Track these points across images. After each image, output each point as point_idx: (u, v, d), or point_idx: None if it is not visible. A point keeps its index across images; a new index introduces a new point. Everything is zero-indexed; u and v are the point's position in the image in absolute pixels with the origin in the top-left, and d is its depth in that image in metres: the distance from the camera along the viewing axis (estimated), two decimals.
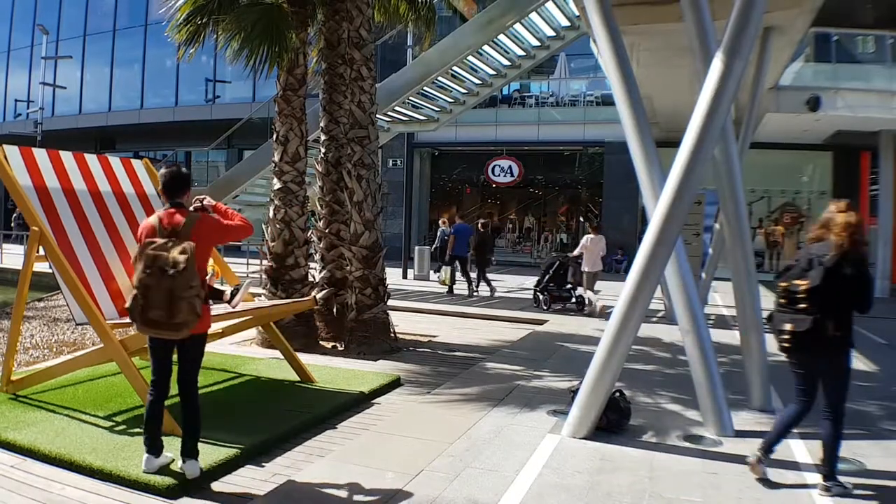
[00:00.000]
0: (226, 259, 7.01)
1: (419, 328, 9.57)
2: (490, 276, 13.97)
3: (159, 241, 3.69)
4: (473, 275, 13.85)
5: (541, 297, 11.81)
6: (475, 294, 13.51)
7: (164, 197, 4.00)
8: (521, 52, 12.52)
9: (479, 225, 14.49)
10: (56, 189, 5.56)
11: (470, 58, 11.99)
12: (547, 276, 11.71)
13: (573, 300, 11.63)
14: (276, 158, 8.14)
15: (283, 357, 6.34)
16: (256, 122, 18.76)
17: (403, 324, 9.20)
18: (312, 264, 8.64)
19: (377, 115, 9.00)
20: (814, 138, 17.14)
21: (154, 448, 3.86)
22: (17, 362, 5.78)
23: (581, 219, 24.16)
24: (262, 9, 7.51)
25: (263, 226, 8.44)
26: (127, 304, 3.72)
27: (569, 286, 11.72)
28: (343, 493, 3.72)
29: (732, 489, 3.91)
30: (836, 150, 18.15)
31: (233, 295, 5.53)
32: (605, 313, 10.48)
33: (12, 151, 5.44)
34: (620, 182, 19.48)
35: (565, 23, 11.77)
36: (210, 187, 15.17)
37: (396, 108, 13.27)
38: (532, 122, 22.14)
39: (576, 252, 11.80)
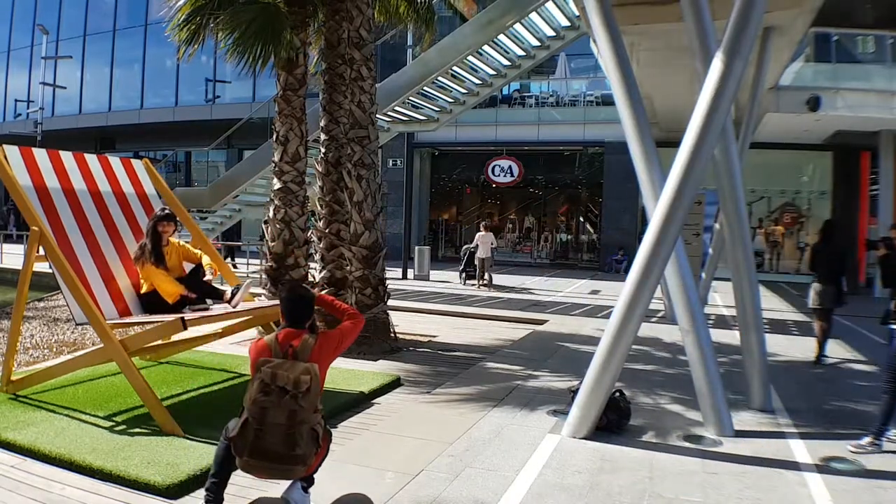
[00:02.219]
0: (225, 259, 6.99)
1: (419, 328, 9.57)
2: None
3: (276, 360, 3.20)
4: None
5: (462, 276, 16.22)
6: None
7: (283, 319, 3.46)
8: (521, 52, 12.51)
9: None
10: (56, 189, 5.57)
11: (470, 58, 11.98)
12: (465, 262, 16.27)
13: (484, 279, 15.44)
14: (276, 158, 8.15)
15: None
16: (256, 122, 18.78)
17: (403, 324, 9.20)
18: (312, 264, 8.64)
19: (377, 115, 8.99)
20: (814, 138, 17.15)
21: None
22: (17, 362, 5.77)
23: (581, 218, 24.16)
24: (259, 8, 7.51)
25: (263, 226, 8.44)
26: (232, 432, 3.16)
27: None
28: (343, 494, 3.72)
29: (732, 489, 3.92)
30: (836, 150, 18.14)
31: (233, 295, 5.56)
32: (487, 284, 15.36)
33: (12, 151, 5.45)
34: (620, 182, 19.50)
35: (565, 23, 11.76)
36: (210, 187, 15.19)
37: (396, 108, 13.26)
38: (532, 122, 22.14)
39: (473, 243, 15.83)
